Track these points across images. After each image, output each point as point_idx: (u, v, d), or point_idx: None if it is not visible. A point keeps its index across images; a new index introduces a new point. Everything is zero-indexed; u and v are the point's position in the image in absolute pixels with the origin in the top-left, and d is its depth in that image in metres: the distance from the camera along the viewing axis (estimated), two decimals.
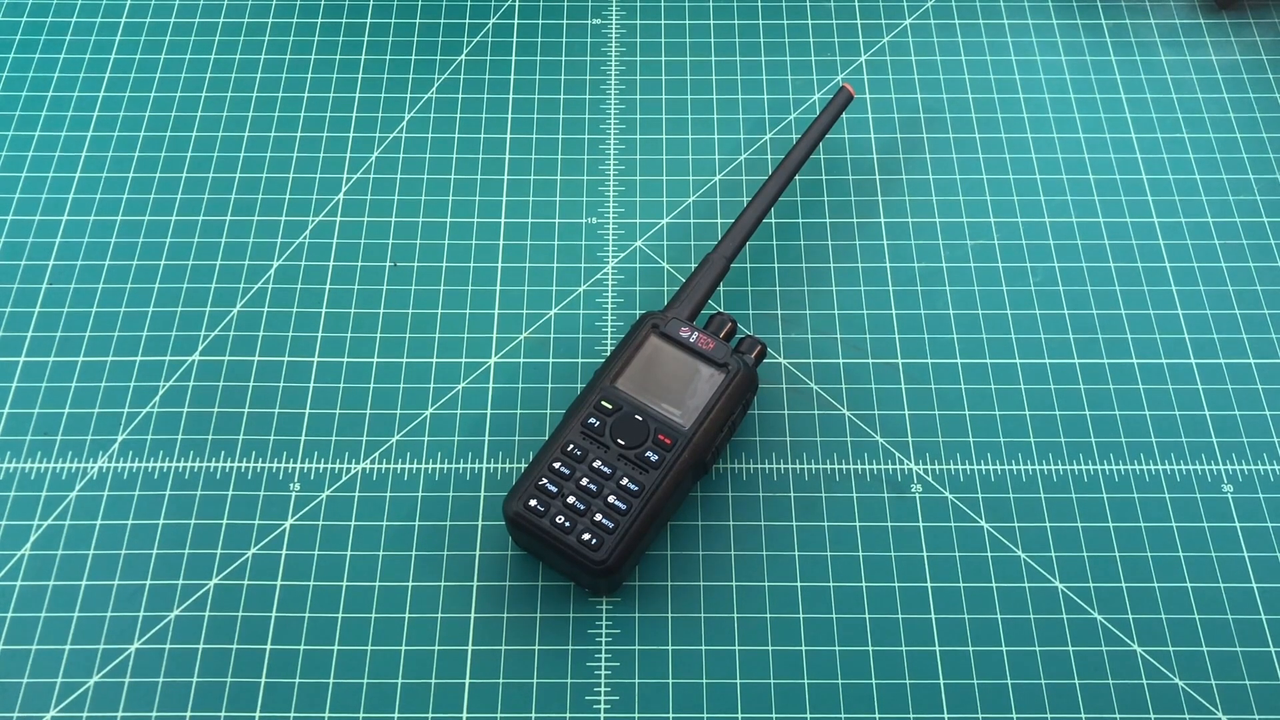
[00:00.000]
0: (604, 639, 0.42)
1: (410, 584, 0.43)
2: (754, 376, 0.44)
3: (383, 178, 0.52)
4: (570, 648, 0.42)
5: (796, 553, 0.43)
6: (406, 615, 0.42)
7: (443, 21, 0.57)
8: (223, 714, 0.41)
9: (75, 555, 0.43)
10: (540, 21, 0.57)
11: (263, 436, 0.46)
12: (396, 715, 0.40)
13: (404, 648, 0.42)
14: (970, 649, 0.42)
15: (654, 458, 0.41)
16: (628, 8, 0.58)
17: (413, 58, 0.56)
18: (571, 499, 0.41)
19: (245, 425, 0.46)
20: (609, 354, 0.46)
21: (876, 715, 0.41)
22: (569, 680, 0.41)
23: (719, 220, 0.51)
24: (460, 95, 0.55)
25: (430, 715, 0.40)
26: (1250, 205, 0.52)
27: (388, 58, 0.56)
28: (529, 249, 0.50)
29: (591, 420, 0.42)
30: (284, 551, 0.43)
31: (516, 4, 0.58)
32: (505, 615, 0.42)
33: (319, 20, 0.57)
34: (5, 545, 0.44)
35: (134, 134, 0.54)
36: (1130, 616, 0.42)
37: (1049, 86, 0.55)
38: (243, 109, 0.54)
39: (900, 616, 0.42)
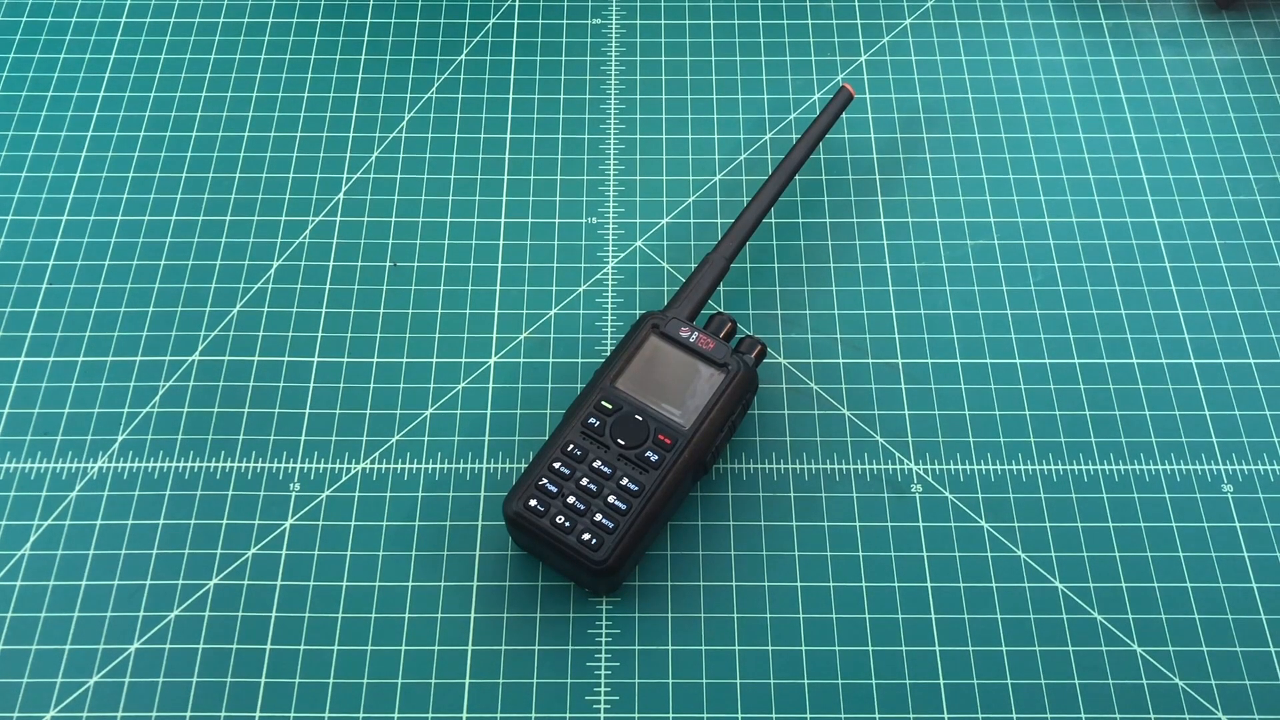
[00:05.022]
0: (604, 639, 0.42)
1: (410, 584, 0.43)
2: (754, 376, 0.44)
3: (383, 178, 0.52)
4: (570, 648, 0.42)
5: (796, 553, 0.43)
6: (406, 615, 0.42)
7: (443, 21, 0.57)
8: (223, 714, 0.41)
9: (75, 555, 0.43)
10: (540, 21, 0.57)
11: (263, 436, 0.46)
12: (396, 715, 0.40)
13: (404, 648, 0.42)
14: (970, 649, 0.42)
15: (654, 458, 0.41)
16: (628, 8, 0.58)
17: (413, 58, 0.56)
18: (571, 499, 0.41)
19: (245, 425, 0.46)
20: (609, 354, 0.46)
21: (876, 715, 0.41)
22: (569, 680, 0.41)
23: (719, 220, 0.51)
24: (460, 95, 0.55)
25: (430, 715, 0.40)
26: (1250, 205, 0.52)
27: (388, 58, 0.56)
28: (529, 249, 0.50)
29: (591, 420, 0.42)
30: (284, 551, 0.43)
31: (516, 4, 0.58)
32: (505, 615, 0.42)
33: (319, 20, 0.57)
34: (5, 545, 0.44)
35: (134, 134, 0.54)
36: (1130, 616, 0.42)
37: (1049, 86, 0.55)
38: (243, 109, 0.54)
39: (900, 616, 0.42)
